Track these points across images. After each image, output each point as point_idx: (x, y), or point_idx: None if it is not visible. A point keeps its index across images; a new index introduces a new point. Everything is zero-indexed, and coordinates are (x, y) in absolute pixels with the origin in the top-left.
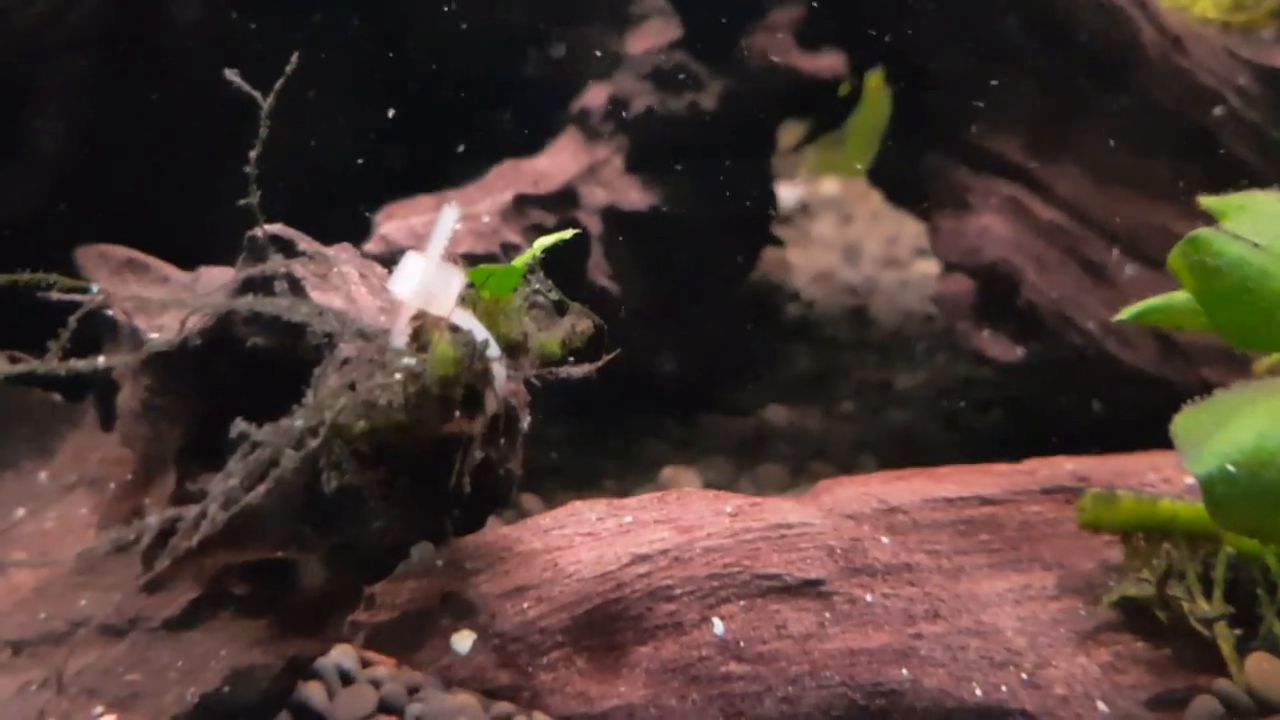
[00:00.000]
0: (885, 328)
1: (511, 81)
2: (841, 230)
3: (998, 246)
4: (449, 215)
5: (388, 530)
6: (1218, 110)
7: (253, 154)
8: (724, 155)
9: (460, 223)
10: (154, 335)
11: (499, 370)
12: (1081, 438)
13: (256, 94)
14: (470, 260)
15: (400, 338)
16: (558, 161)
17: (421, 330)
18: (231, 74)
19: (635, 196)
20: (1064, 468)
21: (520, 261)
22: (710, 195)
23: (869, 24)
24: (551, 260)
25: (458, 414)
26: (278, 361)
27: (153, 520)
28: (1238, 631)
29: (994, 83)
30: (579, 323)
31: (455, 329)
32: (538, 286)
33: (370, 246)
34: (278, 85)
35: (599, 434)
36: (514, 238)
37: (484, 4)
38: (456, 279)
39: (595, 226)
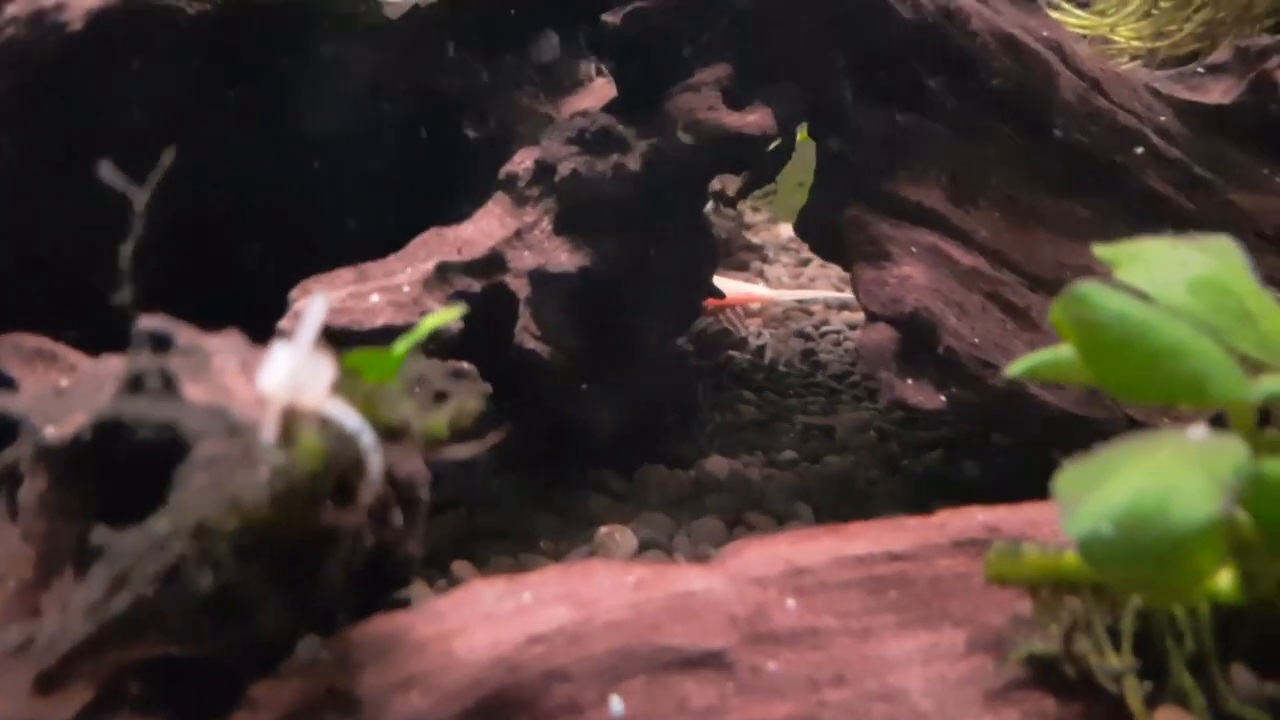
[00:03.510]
0: (832, 370)
1: (448, 151)
2: (796, 274)
3: (918, 295)
4: (317, 305)
5: (277, 624)
6: (1139, 150)
7: (127, 248)
8: (653, 212)
9: (379, 294)
10: (49, 429)
11: (375, 459)
12: (1017, 479)
13: (131, 186)
14: (389, 333)
15: (269, 432)
16: (484, 227)
17: (291, 423)
18: (106, 167)
19: (564, 258)
20: (976, 519)
21: (403, 345)
22: (641, 252)
23: (793, 79)
24: (477, 326)
25: (329, 507)
26: (173, 449)
27: (13, 634)
28: (1147, 684)
29: (911, 133)
30: (466, 401)
31: (326, 420)
32: (423, 369)
33: (285, 323)
34: (154, 179)
35: (539, 491)
36: (436, 306)
37: (417, 77)
38: (326, 368)
39: (523, 290)
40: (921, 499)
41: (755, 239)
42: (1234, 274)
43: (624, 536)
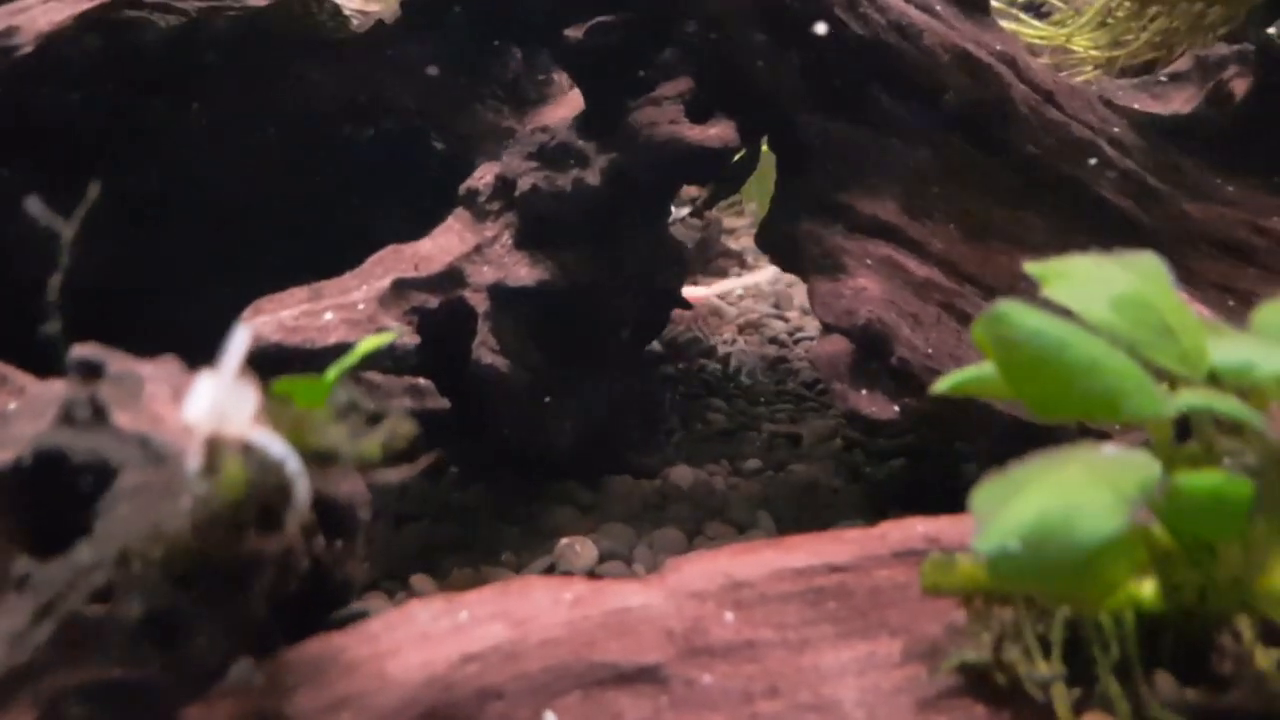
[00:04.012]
0: (803, 378)
1: (415, 167)
2: (775, 279)
3: (872, 306)
4: (240, 335)
5: (208, 647)
6: (1093, 161)
7: (54, 280)
8: (614, 226)
9: (333, 312)
10: None
11: (300, 485)
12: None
13: (58, 221)
14: (342, 350)
15: (193, 461)
16: (442, 243)
17: (215, 452)
18: (32, 202)
19: (524, 272)
20: (916, 530)
21: (334, 371)
22: (602, 265)
23: (753, 93)
24: (436, 341)
25: (253, 534)
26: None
27: None
28: (1076, 691)
29: (866, 147)
30: (399, 425)
31: (251, 448)
32: (350, 395)
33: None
34: (78, 215)
35: (503, 503)
36: (391, 323)
37: (382, 90)
38: (249, 397)
39: (482, 304)
40: (883, 507)
41: (735, 245)
42: (1157, 290)
43: (584, 548)
